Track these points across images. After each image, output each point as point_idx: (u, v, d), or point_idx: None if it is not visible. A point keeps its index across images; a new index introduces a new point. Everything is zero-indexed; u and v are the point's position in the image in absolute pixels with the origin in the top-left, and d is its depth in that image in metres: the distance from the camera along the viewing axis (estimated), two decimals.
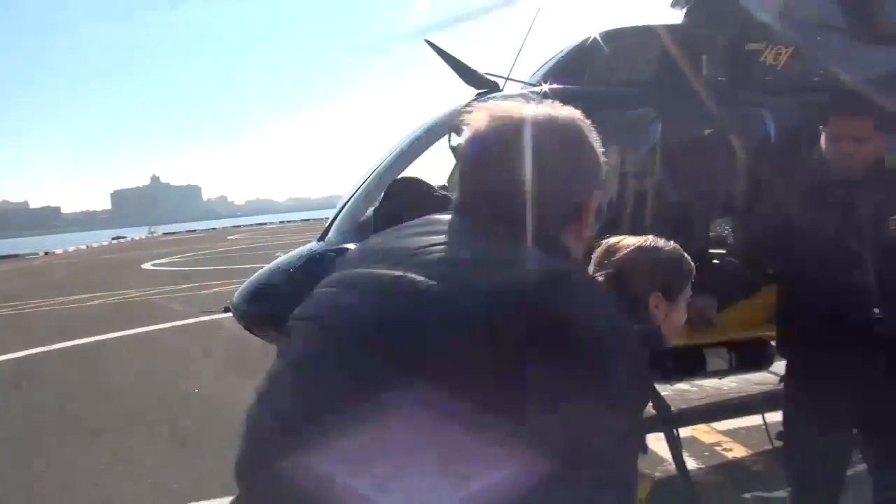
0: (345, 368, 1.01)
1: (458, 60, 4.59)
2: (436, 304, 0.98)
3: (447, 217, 1.21)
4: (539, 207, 1.12)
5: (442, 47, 4.54)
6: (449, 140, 4.60)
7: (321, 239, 4.30)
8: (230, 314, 4.41)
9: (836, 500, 2.91)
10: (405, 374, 0.93)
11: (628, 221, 4.19)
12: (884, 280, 2.64)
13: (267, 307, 3.94)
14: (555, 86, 4.33)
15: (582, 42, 4.59)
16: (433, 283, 1.00)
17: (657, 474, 3.58)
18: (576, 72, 4.51)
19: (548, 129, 1.18)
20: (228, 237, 48.64)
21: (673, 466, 2.49)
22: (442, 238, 1.12)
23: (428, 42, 4.57)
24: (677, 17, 5.32)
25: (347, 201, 4.34)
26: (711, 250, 4.22)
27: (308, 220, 76.94)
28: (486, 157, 1.19)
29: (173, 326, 11.80)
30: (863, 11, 4.81)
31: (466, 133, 1.23)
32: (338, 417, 0.94)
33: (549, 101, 1.26)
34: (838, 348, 2.65)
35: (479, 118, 1.22)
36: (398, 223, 1.27)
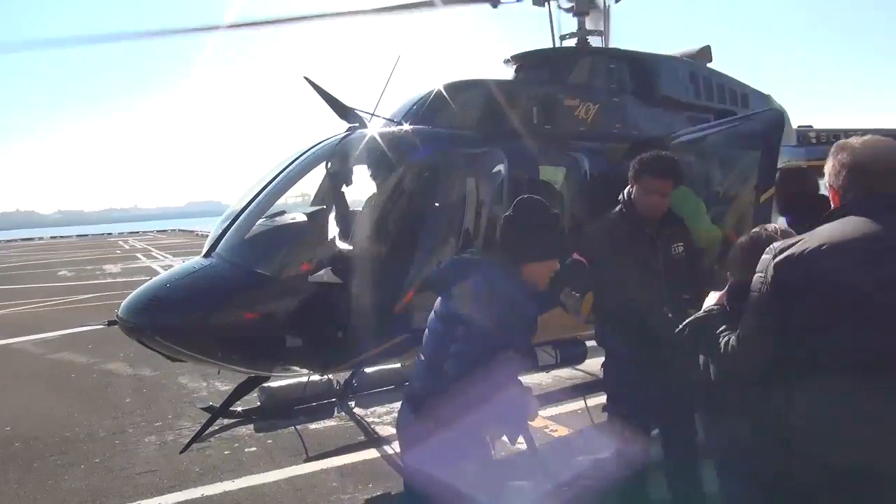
0: None
1: (333, 97, 5.15)
2: None
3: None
4: None
5: (320, 85, 5.07)
6: (327, 166, 5.15)
7: (207, 254, 4.56)
8: (110, 327, 4.51)
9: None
10: None
11: (478, 240, 5.03)
12: (671, 289, 3.72)
13: (162, 319, 4.17)
14: (413, 126, 5.07)
15: (431, 91, 5.37)
16: None
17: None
18: (427, 115, 5.25)
19: None
20: None
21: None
22: None
23: (307, 79, 5.07)
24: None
25: (235, 219, 4.65)
26: None
27: (86, 235, 69.67)
28: None
29: None
30: (645, 81, 6.22)
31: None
32: None
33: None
34: (642, 342, 3.64)
35: None
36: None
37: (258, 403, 6.16)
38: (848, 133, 9.35)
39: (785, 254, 2.05)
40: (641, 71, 6.25)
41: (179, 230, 67.37)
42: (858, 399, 1.87)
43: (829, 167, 2.19)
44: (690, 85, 6.60)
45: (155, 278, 4.52)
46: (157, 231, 68.15)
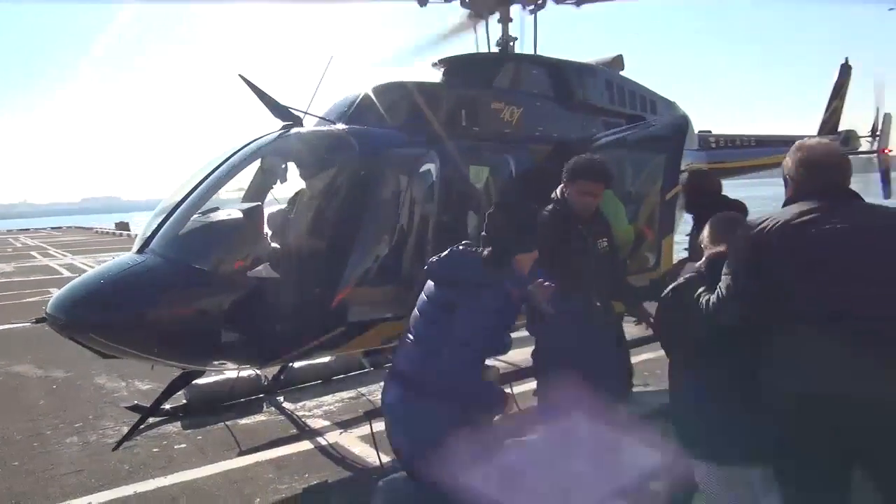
0: None
1: (267, 95, 5.21)
2: None
3: None
4: None
5: (255, 83, 5.12)
6: (262, 163, 5.20)
7: (141, 250, 4.52)
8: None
9: None
10: None
11: (409, 237, 5.23)
12: (598, 279, 4.08)
13: (98, 316, 4.12)
14: (347, 125, 5.19)
15: (363, 91, 5.50)
16: None
17: None
18: (359, 115, 5.36)
19: None
20: None
21: None
22: None
23: (242, 77, 5.10)
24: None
25: (169, 215, 4.63)
26: None
27: None
28: None
29: None
30: (565, 87, 6.59)
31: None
32: None
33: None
34: (570, 324, 3.96)
35: None
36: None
37: (184, 401, 6.14)
38: (743, 139, 10.18)
39: (758, 228, 2.54)
40: (561, 77, 6.62)
41: (76, 227, 63.56)
42: (819, 343, 2.37)
43: (788, 163, 2.72)
44: (605, 91, 7.04)
45: (86, 274, 4.43)
46: (52, 228, 64.00)
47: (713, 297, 2.67)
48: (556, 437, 4.11)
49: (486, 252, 3.06)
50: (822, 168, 2.60)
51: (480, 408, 2.96)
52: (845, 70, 12.53)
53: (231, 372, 5.94)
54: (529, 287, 3.19)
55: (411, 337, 3.05)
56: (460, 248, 3.13)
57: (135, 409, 5.92)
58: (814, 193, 2.55)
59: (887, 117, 12.16)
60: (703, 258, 3.03)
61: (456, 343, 2.80)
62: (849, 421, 2.32)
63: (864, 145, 12.18)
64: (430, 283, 3.08)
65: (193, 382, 5.78)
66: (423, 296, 3.08)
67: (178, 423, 5.93)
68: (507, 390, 3.63)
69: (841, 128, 12.31)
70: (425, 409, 2.86)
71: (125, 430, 5.74)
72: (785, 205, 2.65)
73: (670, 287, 2.99)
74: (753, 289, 2.53)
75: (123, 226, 50.41)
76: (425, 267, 3.18)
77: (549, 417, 4.08)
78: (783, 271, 2.46)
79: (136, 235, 5.11)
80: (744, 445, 2.70)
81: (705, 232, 3.15)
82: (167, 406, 5.84)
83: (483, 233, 3.23)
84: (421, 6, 6.84)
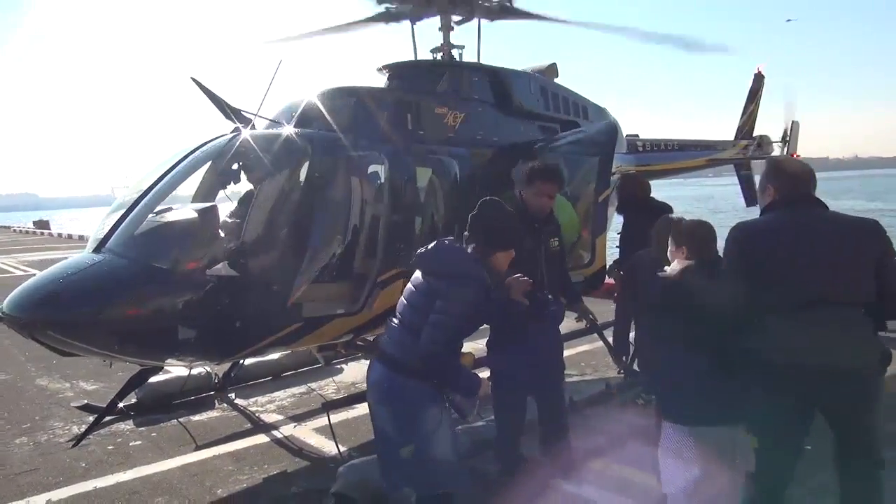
0: None
1: (219, 98, 5.37)
2: None
3: None
4: None
5: (207, 86, 5.27)
6: (216, 164, 5.34)
7: (97, 250, 4.60)
8: None
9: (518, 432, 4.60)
10: None
11: (360, 236, 5.47)
12: (548, 274, 4.47)
13: (59, 314, 4.20)
14: (297, 128, 5.38)
15: (312, 95, 5.69)
16: None
17: None
18: (308, 119, 5.51)
19: None
20: None
21: None
22: None
23: (194, 80, 5.24)
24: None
25: (125, 215, 4.72)
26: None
27: None
28: None
29: None
30: (504, 93, 6.97)
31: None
32: None
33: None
34: (523, 320, 4.30)
35: None
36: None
37: (135, 399, 6.21)
38: (667, 143, 10.85)
39: (744, 231, 3.23)
40: (500, 84, 6.99)
41: None
42: (797, 326, 3.01)
43: (767, 173, 3.39)
44: (541, 98, 7.47)
45: (43, 273, 4.48)
46: None
47: (722, 293, 3.20)
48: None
49: (470, 248, 3.38)
50: (799, 180, 3.27)
51: (457, 390, 3.27)
52: (758, 78, 13.47)
53: (182, 370, 6.05)
54: (507, 280, 3.50)
55: (396, 321, 3.33)
56: (446, 241, 3.40)
57: (86, 408, 5.96)
58: (790, 202, 3.21)
59: (795, 124, 13.16)
60: (678, 269, 3.51)
61: (434, 327, 3.09)
62: (807, 381, 3.03)
63: (776, 149, 13.15)
64: (416, 274, 3.35)
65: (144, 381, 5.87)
66: (409, 285, 3.35)
67: (131, 422, 5.99)
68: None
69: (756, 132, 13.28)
70: (407, 386, 3.15)
71: (76, 429, 5.81)
72: (763, 212, 3.32)
73: (663, 281, 3.53)
74: (746, 285, 3.13)
75: (43, 224, 48.27)
76: (412, 258, 3.45)
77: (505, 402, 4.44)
78: (762, 266, 3.11)
79: (88, 236, 5.15)
80: (728, 405, 3.27)
81: (667, 242, 3.77)
82: (119, 405, 5.89)
83: (466, 231, 3.51)
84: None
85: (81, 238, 30.40)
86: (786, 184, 3.26)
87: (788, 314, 3.03)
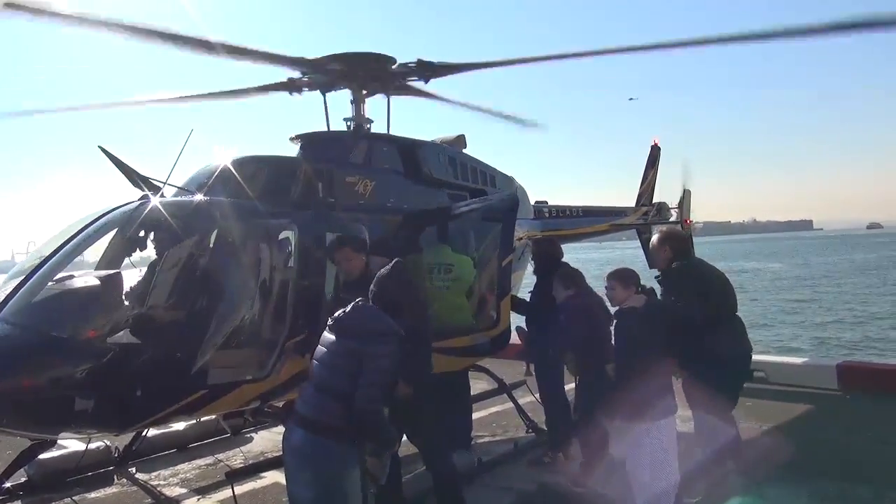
0: None
1: (127, 166, 5.40)
2: None
3: None
4: None
5: (115, 155, 5.29)
6: (121, 231, 5.29)
7: None
8: None
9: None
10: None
11: (268, 303, 5.48)
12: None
13: None
14: (204, 196, 5.42)
15: (222, 163, 5.76)
16: None
17: None
18: (218, 186, 5.60)
19: None
20: None
21: None
22: None
23: (101, 148, 5.26)
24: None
25: (22, 283, 4.59)
26: None
27: None
28: None
29: None
30: (414, 163, 7.26)
31: None
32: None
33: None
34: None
35: None
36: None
37: (24, 478, 5.86)
38: (572, 209, 11.44)
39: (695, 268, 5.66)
40: (410, 154, 7.28)
41: None
42: (725, 329, 5.36)
43: (666, 239, 5.74)
44: (450, 167, 7.80)
45: None
46: None
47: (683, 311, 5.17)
48: None
49: (380, 305, 3.64)
50: (687, 242, 5.89)
51: (379, 444, 3.45)
52: (655, 149, 14.49)
53: (79, 444, 5.79)
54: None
55: (312, 386, 3.44)
56: (360, 303, 3.62)
57: None
58: (685, 255, 5.63)
59: (687, 193, 14.16)
60: (644, 298, 4.88)
61: (370, 387, 3.25)
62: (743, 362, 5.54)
63: (673, 215, 14.07)
64: (327, 336, 3.49)
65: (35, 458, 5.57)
66: (320, 348, 3.48)
67: (19, 503, 5.65)
68: None
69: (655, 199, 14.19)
70: (332, 449, 3.29)
71: None
72: (674, 262, 5.53)
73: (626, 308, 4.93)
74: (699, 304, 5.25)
75: None
76: (329, 321, 3.61)
77: None
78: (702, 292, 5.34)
79: None
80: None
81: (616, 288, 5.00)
82: (8, 484, 5.56)
83: (371, 292, 3.77)
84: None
85: None
86: (681, 245, 5.69)
87: (725, 322, 5.37)
